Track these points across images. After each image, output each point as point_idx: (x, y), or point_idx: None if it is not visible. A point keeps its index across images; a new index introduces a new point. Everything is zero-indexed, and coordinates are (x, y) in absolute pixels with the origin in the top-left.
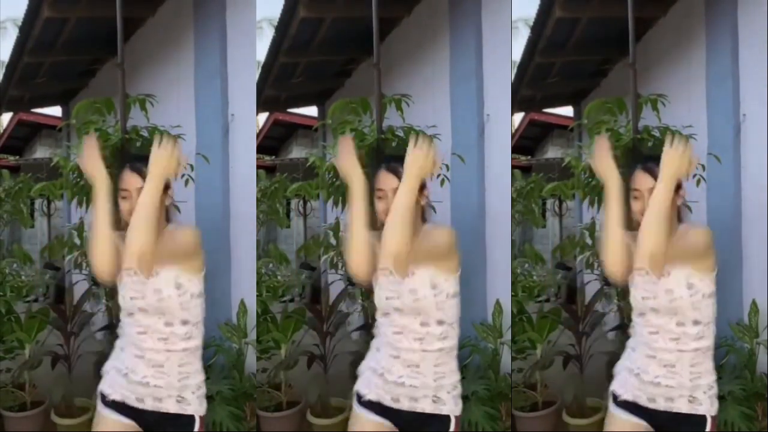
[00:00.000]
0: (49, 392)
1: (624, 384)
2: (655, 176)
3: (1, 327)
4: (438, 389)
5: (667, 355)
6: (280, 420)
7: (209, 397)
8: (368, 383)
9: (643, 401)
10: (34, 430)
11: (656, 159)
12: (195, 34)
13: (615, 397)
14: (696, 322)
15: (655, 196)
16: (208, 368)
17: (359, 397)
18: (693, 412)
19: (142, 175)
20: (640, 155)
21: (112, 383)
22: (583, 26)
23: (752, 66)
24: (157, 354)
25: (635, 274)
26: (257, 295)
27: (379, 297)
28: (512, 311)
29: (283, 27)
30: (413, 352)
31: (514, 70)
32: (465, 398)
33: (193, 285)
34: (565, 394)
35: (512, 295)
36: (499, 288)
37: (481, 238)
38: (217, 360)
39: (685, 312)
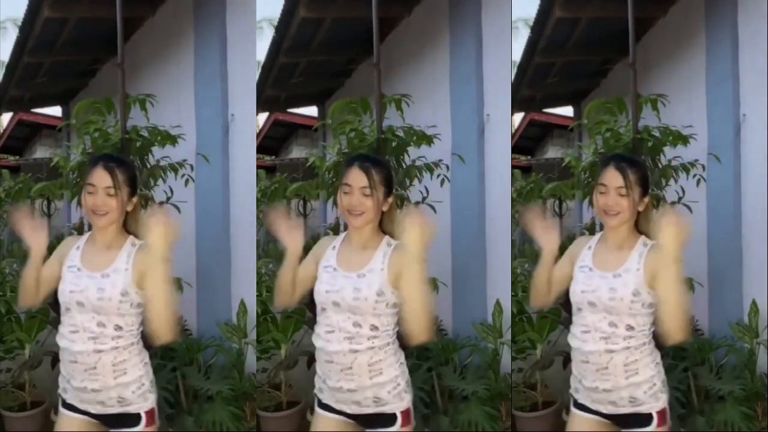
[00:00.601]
0: (49, 392)
1: (575, 386)
2: (625, 176)
3: (1, 327)
4: (378, 389)
5: (598, 357)
6: (280, 420)
7: (209, 398)
8: (320, 390)
9: (592, 405)
10: (34, 430)
11: (627, 159)
12: (195, 34)
13: (574, 399)
14: (629, 328)
15: (670, 278)
16: (208, 368)
17: (318, 399)
18: (635, 411)
19: (113, 176)
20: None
21: (64, 385)
22: (583, 26)
23: (752, 66)
24: (88, 357)
25: (577, 270)
26: (257, 295)
27: (319, 290)
28: (512, 311)
29: (283, 27)
30: (344, 354)
31: (514, 70)
32: (465, 398)
33: (138, 297)
34: (565, 394)
35: (512, 295)
36: (499, 288)
37: (481, 238)
38: (217, 360)
39: (621, 316)
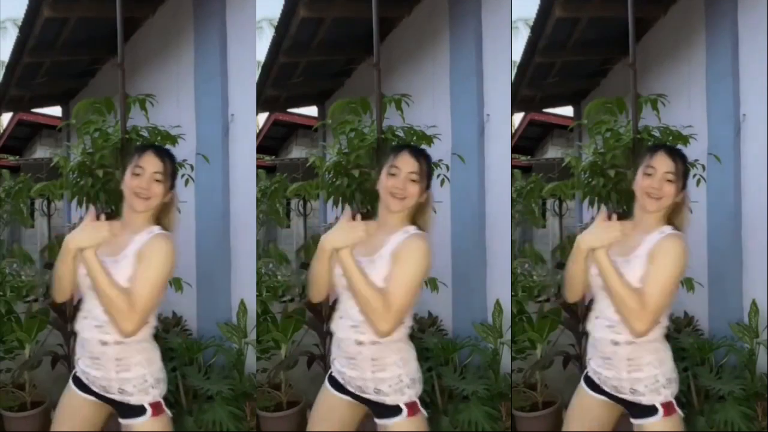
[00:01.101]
0: (49, 392)
1: (588, 359)
2: (676, 163)
3: (1, 327)
4: (379, 382)
5: (603, 346)
6: (280, 420)
7: (209, 397)
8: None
9: (602, 385)
10: (34, 430)
11: (677, 150)
12: (195, 34)
13: (585, 373)
14: None
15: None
16: (208, 368)
17: (330, 374)
18: (636, 401)
19: (164, 162)
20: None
21: (76, 360)
22: (583, 26)
23: (752, 66)
24: (93, 346)
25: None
26: (257, 295)
27: (335, 273)
28: (512, 311)
29: (283, 27)
30: (349, 343)
31: (514, 70)
32: (465, 398)
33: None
34: (565, 394)
35: (512, 295)
36: (499, 288)
37: (481, 238)
38: (217, 360)
39: None
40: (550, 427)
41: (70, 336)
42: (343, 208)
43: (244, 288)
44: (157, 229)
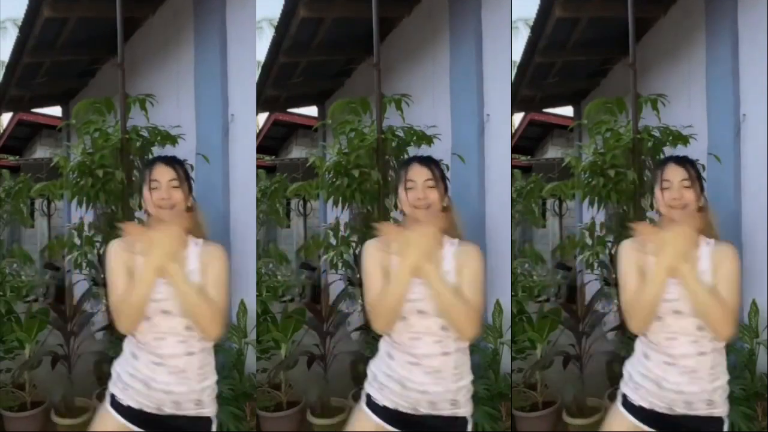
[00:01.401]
0: (49, 392)
1: (637, 390)
2: (687, 170)
3: (1, 327)
4: (457, 392)
5: (688, 361)
6: (280, 420)
7: None
8: (381, 389)
9: (661, 408)
10: (34, 430)
11: (684, 157)
12: (195, 34)
13: (626, 400)
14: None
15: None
16: None
17: (370, 400)
18: (710, 414)
19: (175, 169)
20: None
21: (125, 388)
22: (583, 26)
23: (752, 66)
24: (177, 359)
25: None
26: (257, 295)
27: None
28: (512, 311)
29: (283, 27)
30: (433, 357)
31: (514, 70)
32: None
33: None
34: (565, 394)
35: (512, 295)
36: (499, 288)
37: (481, 238)
38: (217, 360)
39: None
40: (550, 427)
41: (70, 336)
42: (343, 208)
43: (244, 288)
44: (200, 241)
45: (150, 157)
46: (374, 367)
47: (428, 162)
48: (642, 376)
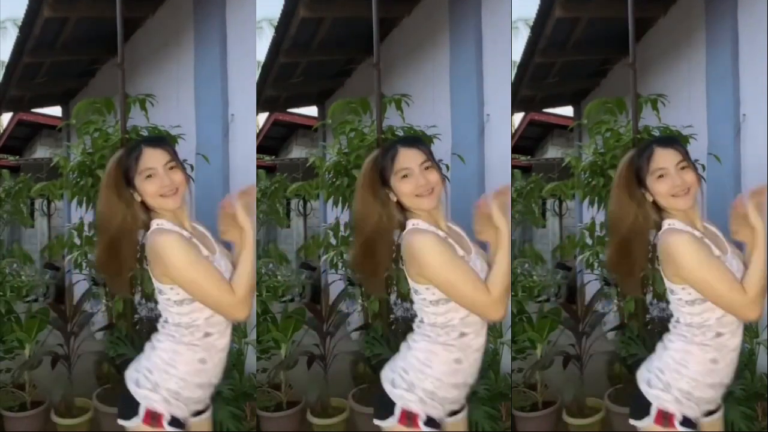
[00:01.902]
0: (49, 392)
1: (690, 403)
2: (675, 148)
3: (1, 327)
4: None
5: (737, 352)
6: (280, 420)
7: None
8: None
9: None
10: (34, 430)
11: (666, 138)
12: (195, 34)
13: (686, 419)
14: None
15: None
16: None
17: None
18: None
19: (166, 150)
20: None
21: (167, 401)
22: (583, 26)
23: (752, 66)
24: (220, 352)
25: None
26: (257, 295)
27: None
28: (512, 311)
29: (283, 27)
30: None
31: (514, 70)
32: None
33: None
34: (565, 394)
35: (512, 295)
36: None
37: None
38: None
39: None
40: (550, 427)
41: (70, 336)
42: (343, 208)
43: None
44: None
45: None
46: (414, 381)
47: (414, 143)
48: (684, 392)
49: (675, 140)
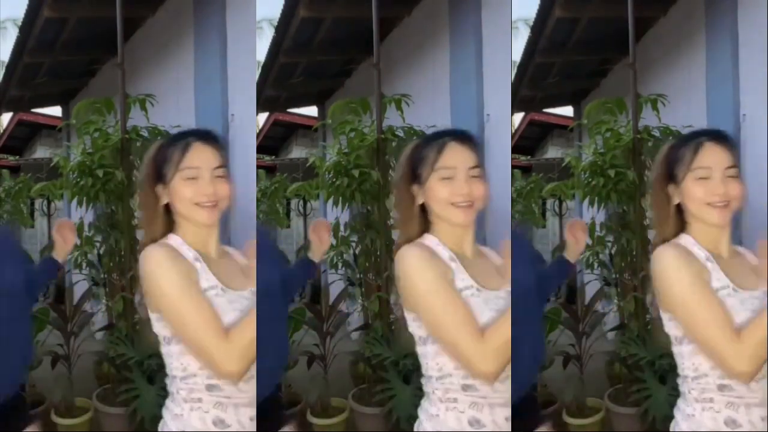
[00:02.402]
0: (49, 392)
1: None
2: (731, 151)
3: None
4: None
5: None
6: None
7: None
8: None
9: None
10: (34, 430)
11: (722, 133)
12: (195, 34)
13: None
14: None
15: None
16: None
17: None
18: None
19: (218, 150)
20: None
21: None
22: (583, 26)
23: (752, 66)
24: (244, 408)
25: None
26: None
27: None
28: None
29: (283, 27)
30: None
31: (514, 70)
32: None
33: None
34: (565, 394)
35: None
36: None
37: (480, 238)
38: None
39: None
40: (550, 427)
41: (70, 336)
42: (343, 208)
43: None
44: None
45: None
46: None
47: (469, 140)
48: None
49: (729, 138)
